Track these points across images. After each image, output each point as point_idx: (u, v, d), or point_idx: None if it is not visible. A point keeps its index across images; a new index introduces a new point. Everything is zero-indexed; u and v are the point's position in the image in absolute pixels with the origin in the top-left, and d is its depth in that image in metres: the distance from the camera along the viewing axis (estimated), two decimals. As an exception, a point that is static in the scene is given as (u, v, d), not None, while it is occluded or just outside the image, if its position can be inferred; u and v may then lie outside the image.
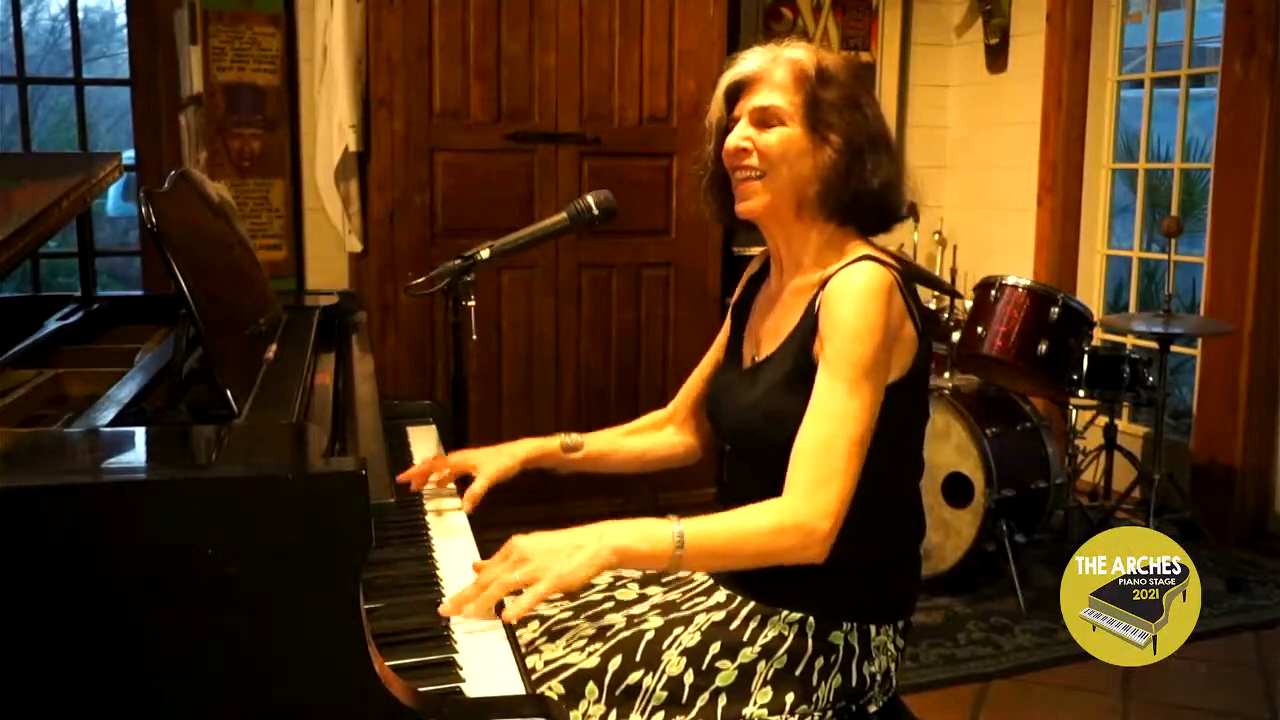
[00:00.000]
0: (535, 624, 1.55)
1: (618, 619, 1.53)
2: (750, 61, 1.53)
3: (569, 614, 1.57)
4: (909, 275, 1.51)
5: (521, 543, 1.35)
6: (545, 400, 3.76)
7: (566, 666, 1.45)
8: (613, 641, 1.48)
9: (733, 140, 1.51)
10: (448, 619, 1.29)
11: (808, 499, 1.38)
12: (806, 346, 1.48)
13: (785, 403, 1.47)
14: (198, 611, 0.99)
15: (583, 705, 1.42)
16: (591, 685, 1.43)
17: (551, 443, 1.76)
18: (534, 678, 1.43)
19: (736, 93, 1.54)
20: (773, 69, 1.51)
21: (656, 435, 1.82)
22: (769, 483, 1.43)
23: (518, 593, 1.31)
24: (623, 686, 1.43)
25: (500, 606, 1.31)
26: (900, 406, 1.47)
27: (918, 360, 1.50)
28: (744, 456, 1.60)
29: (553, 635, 1.53)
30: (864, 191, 1.50)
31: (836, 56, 1.56)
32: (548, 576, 1.30)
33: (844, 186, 1.50)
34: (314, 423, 1.36)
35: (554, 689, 1.43)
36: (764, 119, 1.50)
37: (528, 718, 1.09)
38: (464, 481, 1.75)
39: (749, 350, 1.63)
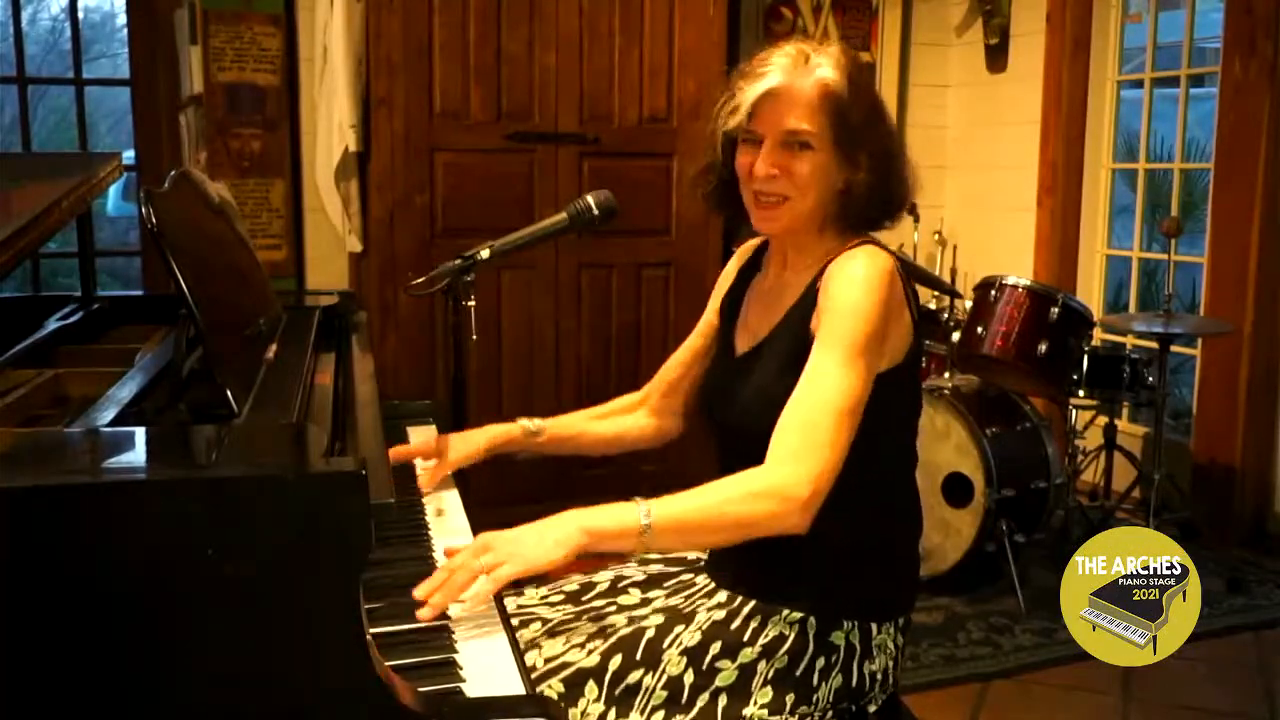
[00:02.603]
0: (537, 624, 1.55)
1: (619, 619, 1.53)
2: (775, 74, 1.46)
3: (570, 616, 1.57)
4: (908, 266, 1.52)
5: (489, 535, 1.35)
6: (545, 400, 3.76)
7: (566, 665, 1.45)
8: (613, 639, 1.48)
9: (761, 167, 1.48)
10: (447, 618, 1.29)
11: (785, 465, 1.36)
12: (803, 327, 1.48)
13: (782, 387, 1.46)
14: (197, 611, 0.99)
15: (582, 703, 1.42)
16: (591, 684, 1.43)
17: (514, 428, 1.76)
18: (534, 676, 1.43)
19: (756, 104, 1.48)
20: (800, 84, 1.46)
21: (626, 419, 1.83)
22: None
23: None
24: (623, 685, 1.43)
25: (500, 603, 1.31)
26: (892, 397, 1.46)
27: (911, 350, 1.50)
28: (742, 446, 1.57)
29: (553, 633, 1.53)
30: (887, 199, 1.51)
31: (855, 63, 1.51)
32: (514, 560, 1.30)
33: (869, 201, 1.50)
34: (314, 423, 1.36)
35: (553, 687, 1.43)
36: (791, 140, 1.47)
37: (528, 718, 1.09)
38: (460, 479, 1.76)
39: (744, 340, 1.62)
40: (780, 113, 1.47)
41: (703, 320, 1.76)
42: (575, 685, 1.43)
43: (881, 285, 1.43)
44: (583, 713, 1.42)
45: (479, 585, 1.29)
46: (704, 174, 1.60)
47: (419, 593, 1.28)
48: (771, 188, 1.49)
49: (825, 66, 1.48)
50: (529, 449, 1.78)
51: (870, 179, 1.48)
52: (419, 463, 1.80)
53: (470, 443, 1.74)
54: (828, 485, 1.36)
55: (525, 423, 1.76)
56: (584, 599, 1.60)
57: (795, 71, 1.47)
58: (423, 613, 1.26)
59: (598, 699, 1.43)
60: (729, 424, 1.60)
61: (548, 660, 1.47)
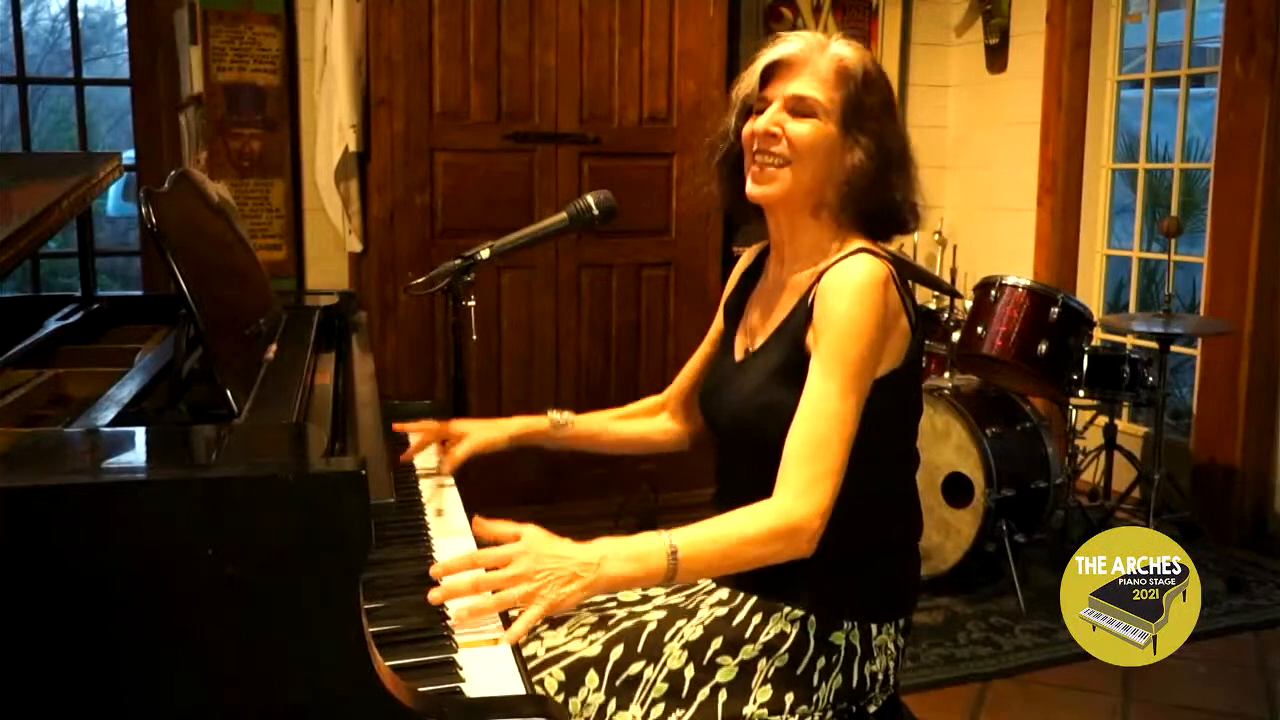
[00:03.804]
0: None
1: (620, 612, 1.54)
2: (794, 44, 1.49)
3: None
4: (904, 270, 1.51)
5: (526, 560, 1.30)
6: (545, 400, 3.74)
7: (568, 654, 1.45)
8: (615, 631, 1.48)
9: (762, 122, 1.48)
10: (447, 618, 1.29)
11: (801, 499, 1.37)
12: (799, 338, 1.48)
13: (777, 394, 1.47)
14: (197, 611, 0.99)
15: (582, 693, 1.43)
16: (592, 674, 1.43)
17: (541, 421, 1.78)
18: (534, 664, 1.43)
19: (771, 73, 1.50)
20: (817, 58, 1.47)
21: (649, 422, 1.84)
22: (763, 476, 1.42)
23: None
24: (623, 677, 1.44)
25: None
26: (893, 400, 1.47)
27: (910, 353, 1.49)
28: (737, 450, 1.60)
29: (554, 623, 1.53)
30: (886, 202, 1.50)
31: (875, 62, 1.53)
32: (542, 603, 1.29)
33: (868, 194, 1.48)
34: (314, 423, 1.36)
35: (554, 675, 1.43)
36: (798, 108, 1.47)
37: (528, 718, 1.09)
38: (460, 478, 1.76)
39: (742, 343, 1.63)
40: (791, 79, 1.48)
41: (712, 328, 1.77)
42: (576, 674, 1.43)
43: (877, 297, 1.42)
44: (583, 702, 1.42)
45: (514, 629, 1.27)
46: (717, 142, 1.59)
47: (438, 593, 1.28)
48: (770, 146, 1.48)
49: (845, 48, 1.49)
50: (554, 441, 1.79)
51: (872, 167, 1.47)
52: (418, 462, 1.80)
53: (496, 429, 1.75)
54: (831, 507, 1.39)
55: (554, 415, 1.78)
56: None
57: (814, 46, 1.49)
58: (434, 595, 1.27)
59: (598, 689, 1.43)
60: (724, 426, 1.61)
61: (549, 649, 1.47)
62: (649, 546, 1.35)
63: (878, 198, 1.49)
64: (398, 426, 1.77)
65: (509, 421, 1.78)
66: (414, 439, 1.79)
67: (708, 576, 1.47)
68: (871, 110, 1.48)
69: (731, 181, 1.57)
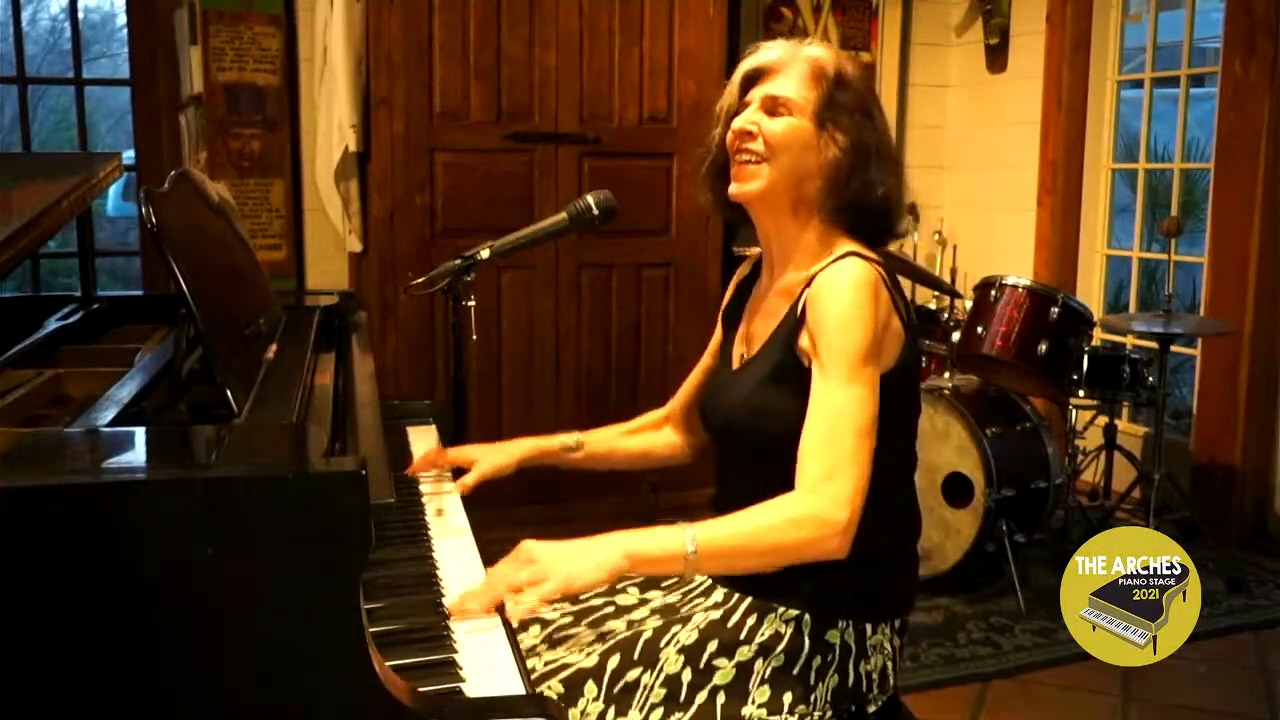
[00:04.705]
0: (536, 629, 1.56)
1: (618, 624, 1.54)
2: (770, 52, 1.54)
3: (569, 619, 1.57)
4: (893, 270, 1.52)
5: (531, 545, 1.35)
6: (545, 400, 3.76)
7: (565, 666, 1.46)
8: (611, 642, 1.48)
9: (739, 122, 1.52)
10: (447, 618, 1.29)
11: (818, 490, 1.37)
12: (790, 342, 1.49)
13: (769, 397, 1.48)
14: (197, 611, 0.99)
15: (581, 703, 1.42)
16: (590, 684, 1.43)
17: (551, 443, 1.79)
18: (533, 678, 1.43)
19: (751, 81, 1.54)
20: (792, 62, 1.52)
21: (655, 435, 1.85)
22: (759, 478, 1.43)
23: None
24: (621, 684, 1.43)
25: (503, 607, 1.31)
26: (890, 400, 1.46)
27: (905, 353, 1.50)
28: (733, 453, 1.61)
29: (553, 643, 1.53)
30: (865, 198, 1.50)
31: (856, 64, 1.56)
32: (555, 576, 1.30)
33: (845, 189, 1.50)
34: (314, 423, 1.36)
35: (553, 688, 1.43)
36: (774, 107, 1.50)
37: (528, 718, 1.09)
38: (460, 479, 1.76)
39: (739, 351, 1.64)
40: (768, 82, 1.52)
41: (713, 340, 1.78)
42: (574, 685, 1.43)
43: (868, 295, 1.43)
44: (582, 712, 1.42)
45: (524, 599, 1.28)
46: (705, 154, 1.62)
47: (455, 601, 1.29)
48: (746, 144, 1.51)
49: (819, 50, 1.53)
50: (563, 463, 1.80)
51: (846, 162, 1.48)
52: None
53: (504, 454, 1.76)
54: (861, 504, 1.37)
55: (564, 438, 1.79)
56: (582, 598, 1.60)
57: (789, 51, 1.53)
58: (451, 603, 1.27)
59: (597, 698, 1.43)
60: (720, 430, 1.62)
61: (547, 663, 1.47)
62: (666, 529, 1.37)
63: (856, 192, 1.50)
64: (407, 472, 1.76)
65: (515, 445, 1.78)
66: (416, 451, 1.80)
67: (731, 563, 1.43)
68: (846, 106, 1.50)
69: (719, 188, 1.60)
